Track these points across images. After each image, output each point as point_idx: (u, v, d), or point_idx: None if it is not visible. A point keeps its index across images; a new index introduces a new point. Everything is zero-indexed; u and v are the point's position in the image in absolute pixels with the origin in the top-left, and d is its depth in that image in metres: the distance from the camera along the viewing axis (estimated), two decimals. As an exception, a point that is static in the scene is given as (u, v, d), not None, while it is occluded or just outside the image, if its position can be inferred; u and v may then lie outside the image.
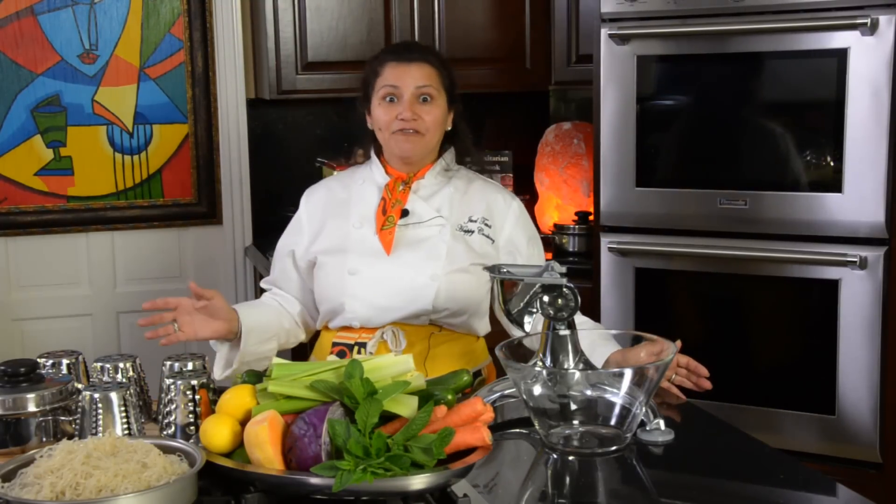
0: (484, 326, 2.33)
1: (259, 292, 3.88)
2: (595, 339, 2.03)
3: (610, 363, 1.99)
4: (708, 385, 2.08)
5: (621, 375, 1.75)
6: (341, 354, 2.24)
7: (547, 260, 2.32)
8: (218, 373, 2.23)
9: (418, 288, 2.21)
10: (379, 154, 2.36)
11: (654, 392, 1.76)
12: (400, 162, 2.30)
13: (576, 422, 1.79)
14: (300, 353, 3.31)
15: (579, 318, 2.23)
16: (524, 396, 1.77)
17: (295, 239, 2.39)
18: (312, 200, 2.41)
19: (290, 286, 2.39)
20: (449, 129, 2.34)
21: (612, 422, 1.77)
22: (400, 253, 2.25)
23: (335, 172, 3.62)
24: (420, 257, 2.25)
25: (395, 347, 2.22)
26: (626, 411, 1.75)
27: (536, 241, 2.39)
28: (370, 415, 1.46)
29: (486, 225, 2.31)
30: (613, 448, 1.76)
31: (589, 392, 1.77)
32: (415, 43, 2.47)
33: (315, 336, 2.42)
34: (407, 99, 2.23)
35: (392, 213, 2.27)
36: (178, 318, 2.11)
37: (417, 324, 2.23)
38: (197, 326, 2.13)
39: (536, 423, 1.78)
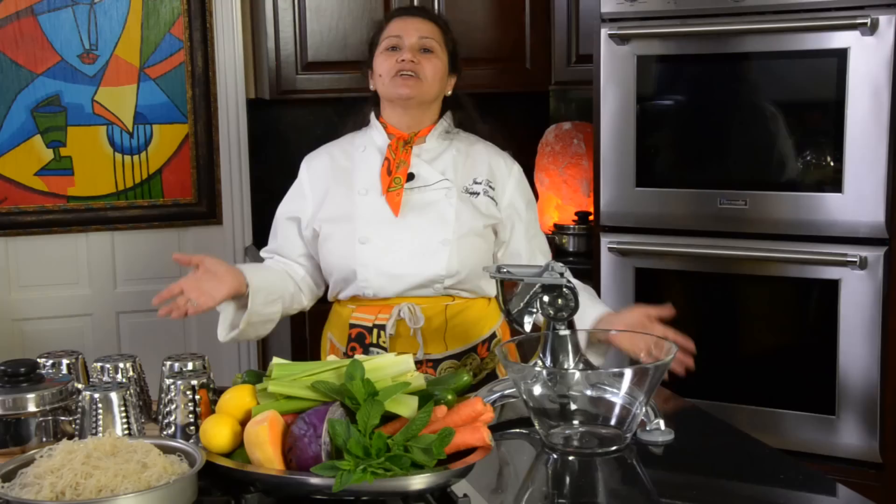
0: (492, 286, 2.29)
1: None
2: (584, 301, 2.03)
3: (602, 323, 2.06)
4: (690, 364, 2.01)
5: (621, 375, 1.75)
6: (360, 337, 2.23)
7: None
8: (223, 335, 2.23)
9: (430, 253, 2.20)
10: (378, 117, 2.35)
11: (654, 392, 1.76)
12: (400, 112, 2.30)
13: (576, 422, 1.79)
14: (300, 348, 3.31)
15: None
16: (524, 396, 1.77)
17: (299, 205, 2.36)
18: (314, 167, 2.39)
19: (293, 252, 2.36)
20: (449, 94, 2.34)
21: (612, 422, 1.77)
22: (408, 218, 2.24)
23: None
24: (429, 221, 2.24)
25: (414, 324, 2.20)
26: (626, 411, 1.75)
27: (534, 207, 2.41)
28: (371, 416, 1.46)
29: (490, 187, 2.31)
30: (613, 448, 1.76)
31: (589, 392, 1.77)
32: (421, 6, 2.49)
33: (323, 310, 2.40)
34: (409, 45, 2.25)
35: (398, 174, 2.25)
36: (189, 295, 2.11)
37: (431, 295, 2.23)
38: (212, 292, 2.13)
39: (536, 423, 1.78)
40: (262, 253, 2.45)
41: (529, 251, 2.34)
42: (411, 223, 2.24)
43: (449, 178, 2.28)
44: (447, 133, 2.34)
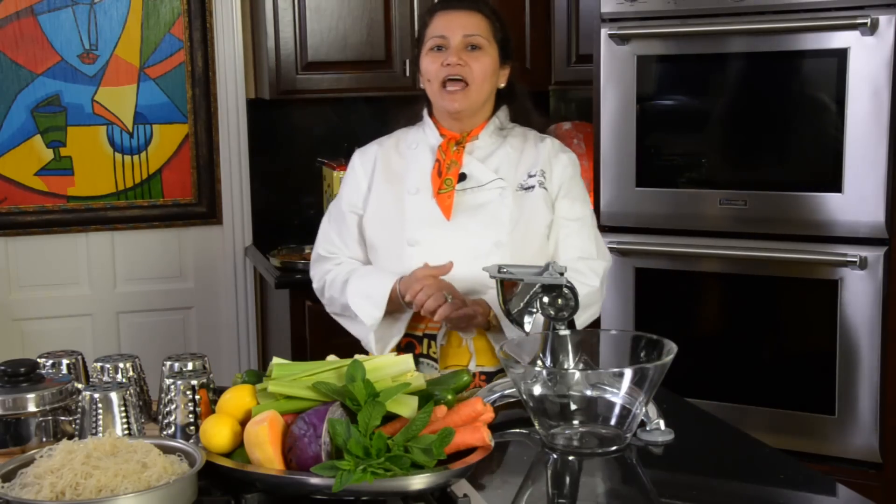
0: None
1: (259, 292, 3.89)
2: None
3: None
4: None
5: (621, 375, 1.75)
6: (409, 347, 2.18)
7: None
8: (379, 349, 2.17)
9: (483, 256, 2.12)
10: (430, 114, 2.28)
11: (654, 392, 1.76)
12: (450, 119, 2.23)
13: (576, 422, 1.79)
14: (300, 348, 3.31)
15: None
16: (524, 396, 1.77)
17: (356, 199, 2.28)
18: (366, 159, 2.31)
19: (355, 248, 2.29)
20: (502, 86, 2.26)
21: (612, 422, 1.77)
22: (460, 219, 2.17)
23: (335, 173, 3.63)
24: (481, 223, 2.17)
25: (466, 335, 2.14)
26: (626, 411, 1.75)
27: (587, 205, 2.29)
28: (372, 417, 1.46)
29: (544, 177, 2.22)
30: (613, 448, 1.75)
31: (589, 392, 1.77)
32: None
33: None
34: (454, 46, 2.15)
35: (449, 175, 2.18)
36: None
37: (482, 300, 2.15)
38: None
39: (536, 423, 1.78)
40: (322, 251, 2.35)
41: (582, 249, 2.23)
42: (463, 225, 2.17)
43: (503, 177, 2.21)
44: (501, 130, 2.26)
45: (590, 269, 2.22)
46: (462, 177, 2.19)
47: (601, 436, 1.77)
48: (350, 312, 2.21)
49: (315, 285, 2.36)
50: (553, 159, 2.25)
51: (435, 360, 2.16)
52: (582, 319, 2.15)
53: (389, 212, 2.22)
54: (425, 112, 2.30)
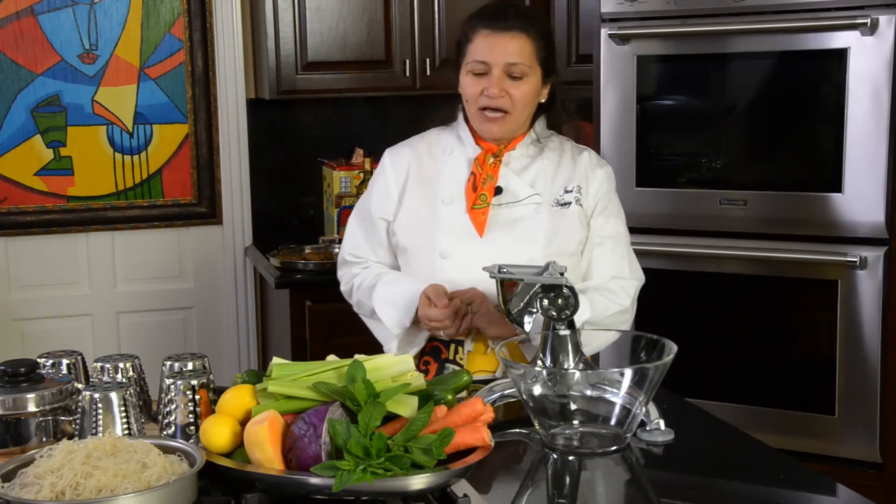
0: None
1: (259, 292, 3.89)
2: None
3: None
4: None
5: (621, 375, 1.75)
6: (435, 352, 2.16)
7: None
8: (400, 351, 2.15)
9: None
10: (466, 120, 2.22)
11: (654, 392, 1.76)
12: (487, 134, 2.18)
13: (576, 422, 1.79)
14: (300, 348, 3.31)
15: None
16: (524, 396, 1.77)
17: (386, 205, 2.23)
18: (398, 162, 2.24)
19: (383, 254, 2.26)
20: (543, 101, 2.21)
21: (612, 422, 1.77)
22: (494, 234, 2.13)
23: (335, 173, 3.62)
24: (516, 239, 2.14)
25: (495, 343, 2.10)
26: (626, 411, 1.75)
27: (623, 221, 2.27)
28: (372, 417, 1.46)
29: (581, 192, 2.19)
30: (613, 448, 1.75)
31: (589, 392, 1.77)
32: (511, 6, 2.18)
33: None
34: (496, 75, 2.09)
35: (484, 190, 2.14)
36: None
37: None
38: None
39: (536, 423, 1.78)
40: (348, 256, 2.32)
41: (615, 267, 2.20)
42: (497, 240, 2.13)
43: (539, 192, 2.16)
44: (538, 142, 2.21)
45: (622, 288, 2.20)
46: (498, 190, 2.15)
47: (601, 436, 1.77)
48: (375, 317, 2.21)
49: (343, 288, 2.34)
50: (590, 174, 2.22)
51: (461, 365, 2.14)
52: (606, 338, 2.12)
53: (422, 220, 2.18)
54: (461, 115, 2.24)
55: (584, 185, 2.21)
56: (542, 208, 2.16)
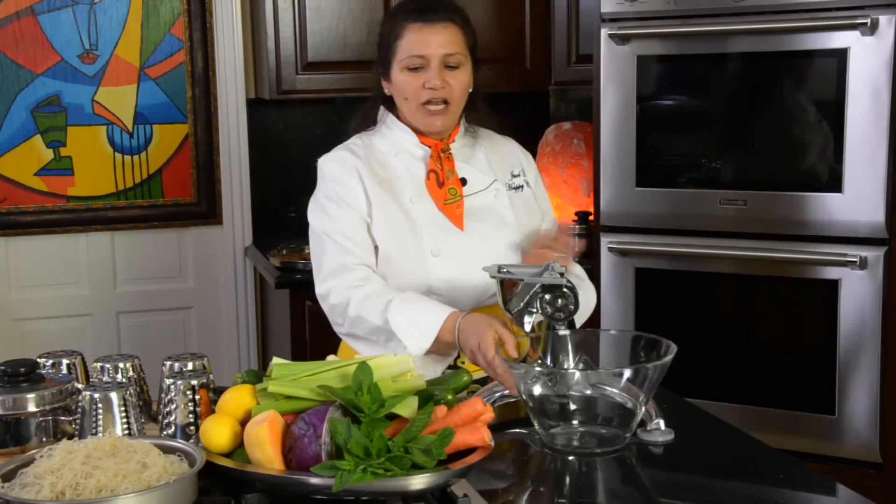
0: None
1: (259, 292, 3.89)
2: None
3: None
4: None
5: (621, 375, 1.75)
6: None
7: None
8: (418, 348, 1.99)
9: (502, 260, 2.05)
10: (398, 117, 2.19)
11: (653, 392, 1.76)
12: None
13: (575, 422, 1.79)
14: (300, 348, 3.31)
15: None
16: (524, 396, 1.77)
17: (360, 206, 2.13)
18: (346, 165, 2.16)
19: (372, 258, 2.13)
20: (472, 90, 2.20)
21: (612, 422, 1.77)
22: (471, 226, 2.15)
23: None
24: (493, 226, 2.16)
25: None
26: (625, 411, 1.75)
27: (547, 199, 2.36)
28: (374, 429, 1.45)
29: (526, 177, 2.26)
30: (613, 448, 1.75)
31: (589, 392, 1.77)
32: None
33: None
34: (434, 67, 2.08)
35: (451, 184, 2.14)
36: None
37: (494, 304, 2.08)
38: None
39: (536, 424, 1.78)
40: (336, 266, 2.12)
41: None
42: (477, 231, 2.15)
43: (496, 178, 2.21)
44: (468, 131, 2.25)
45: (578, 266, 2.28)
46: (463, 181, 2.17)
47: (601, 436, 1.77)
48: (377, 336, 2.05)
49: (333, 301, 2.12)
50: (520, 153, 2.31)
51: (461, 368, 2.08)
52: (586, 317, 2.16)
53: (397, 221, 2.13)
54: (389, 117, 2.20)
55: (525, 168, 2.28)
56: (501, 192, 2.20)
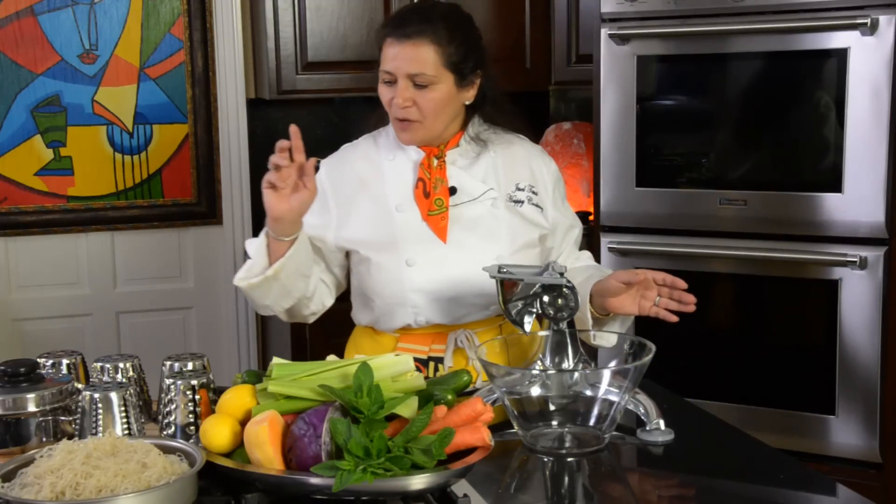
0: None
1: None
2: (592, 274, 2.05)
3: (592, 295, 2.03)
4: (691, 300, 1.95)
5: (600, 375, 1.75)
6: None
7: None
8: (241, 278, 2.07)
9: (485, 274, 1.97)
10: None
11: (634, 388, 1.76)
12: None
13: (554, 422, 1.78)
14: (300, 348, 3.31)
15: (585, 262, 2.24)
16: (505, 401, 1.77)
17: (323, 219, 2.11)
18: (336, 175, 2.16)
19: (308, 266, 2.11)
20: (469, 103, 2.11)
21: (591, 421, 1.76)
22: (456, 237, 2.07)
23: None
24: (480, 238, 2.08)
25: (475, 354, 2.03)
26: (605, 411, 1.75)
27: (570, 209, 2.27)
28: (372, 429, 1.46)
29: (534, 192, 2.15)
30: (592, 448, 1.75)
31: (569, 391, 1.77)
32: (417, 9, 2.09)
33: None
34: (401, 85, 2.02)
35: (438, 195, 2.07)
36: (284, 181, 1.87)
37: (486, 317, 2.10)
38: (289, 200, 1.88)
39: (515, 424, 1.78)
40: None
41: (574, 260, 2.22)
42: (461, 243, 2.07)
43: (493, 187, 2.12)
44: (479, 138, 2.15)
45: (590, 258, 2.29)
46: (452, 191, 2.10)
47: (579, 436, 1.77)
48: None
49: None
50: (538, 165, 2.20)
51: None
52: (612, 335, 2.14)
53: (378, 229, 2.10)
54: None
55: (537, 179, 2.18)
56: (498, 203, 2.12)
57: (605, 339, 2.06)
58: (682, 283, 1.95)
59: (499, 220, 2.11)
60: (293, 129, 1.84)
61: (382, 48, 2.07)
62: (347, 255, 2.18)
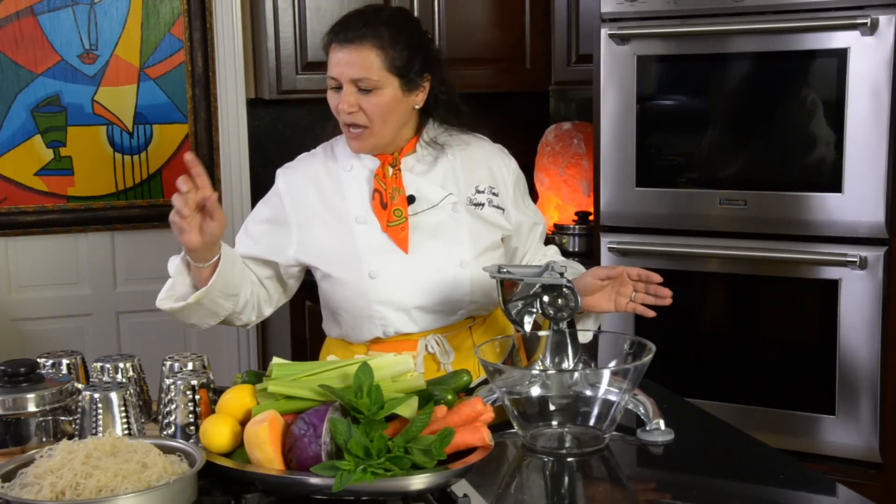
0: None
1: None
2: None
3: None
4: (667, 293, 1.95)
5: (600, 375, 1.75)
6: None
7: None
8: (163, 299, 2.00)
9: (450, 279, 2.04)
10: None
11: (634, 388, 1.76)
12: None
13: (554, 422, 1.79)
14: (300, 348, 3.31)
15: (552, 258, 2.24)
16: (505, 401, 1.77)
17: (281, 240, 2.12)
18: (295, 187, 2.14)
19: (261, 273, 2.15)
20: (418, 107, 2.09)
21: (591, 422, 1.76)
22: (419, 246, 2.06)
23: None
24: (443, 244, 2.08)
25: (446, 359, 2.07)
26: (605, 411, 1.75)
27: (532, 205, 2.27)
28: (372, 430, 1.46)
29: (494, 194, 2.14)
30: (592, 449, 1.75)
31: (569, 392, 1.77)
32: (360, 14, 2.05)
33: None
34: (345, 90, 2.01)
35: (396, 205, 2.06)
36: (186, 224, 1.87)
37: (454, 322, 2.10)
38: (198, 234, 1.87)
39: (515, 425, 1.78)
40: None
41: (542, 257, 2.26)
42: (424, 250, 2.06)
43: (452, 192, 2.10)
44: (435, 142, 2.14)
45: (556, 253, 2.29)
46: (410, 199, 2.08)
47: (579, 436, 1.77)
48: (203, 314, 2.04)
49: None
50: (497, 164, 2.19)
51: None
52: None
53: (338, 243, 2.09)
54: None
55: (497, 179, 2.17)
56: (459, 207, 2.11)
57: (582, 336, 2.05)
58: (658, 278, 1.96)
59: (460, 225, 2.10)
60: (188, 157, 1.86)
61: (328, 53, 2.06)
62: (307, 268, 2.17)
